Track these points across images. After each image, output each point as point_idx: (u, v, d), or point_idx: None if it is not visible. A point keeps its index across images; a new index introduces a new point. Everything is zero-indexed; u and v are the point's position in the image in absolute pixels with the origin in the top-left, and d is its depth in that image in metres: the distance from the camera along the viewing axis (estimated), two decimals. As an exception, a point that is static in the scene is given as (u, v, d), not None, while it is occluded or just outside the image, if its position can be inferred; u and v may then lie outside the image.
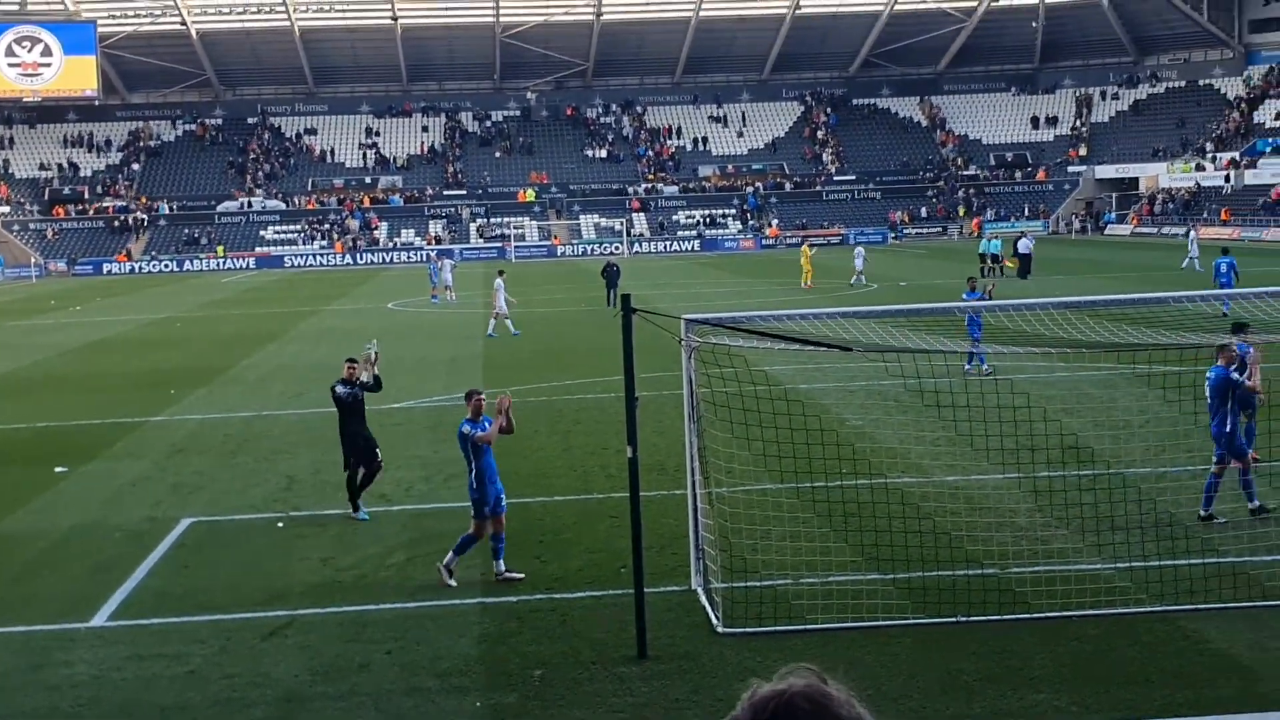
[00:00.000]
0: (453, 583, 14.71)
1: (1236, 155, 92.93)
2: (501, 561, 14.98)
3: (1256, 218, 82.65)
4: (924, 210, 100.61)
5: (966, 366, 26.93)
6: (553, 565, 15.39)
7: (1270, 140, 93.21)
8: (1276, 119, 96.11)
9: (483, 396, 15.22)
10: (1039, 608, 13.19)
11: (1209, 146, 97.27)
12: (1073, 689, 11.36)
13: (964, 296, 27.64)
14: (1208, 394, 16.48)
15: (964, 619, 12.94)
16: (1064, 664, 11.94)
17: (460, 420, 15.32)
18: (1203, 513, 16.27)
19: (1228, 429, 16.14)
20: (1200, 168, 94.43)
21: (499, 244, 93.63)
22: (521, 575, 14.93)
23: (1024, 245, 56.11)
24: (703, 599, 13.74)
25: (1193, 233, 59.78)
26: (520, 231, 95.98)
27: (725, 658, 12.30)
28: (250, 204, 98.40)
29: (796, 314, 14.77)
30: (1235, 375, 16.24)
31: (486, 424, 14.94)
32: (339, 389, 18.00)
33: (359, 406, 17.98)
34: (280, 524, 17.90)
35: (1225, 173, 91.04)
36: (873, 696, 11.23)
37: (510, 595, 14.43)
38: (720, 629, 12.94)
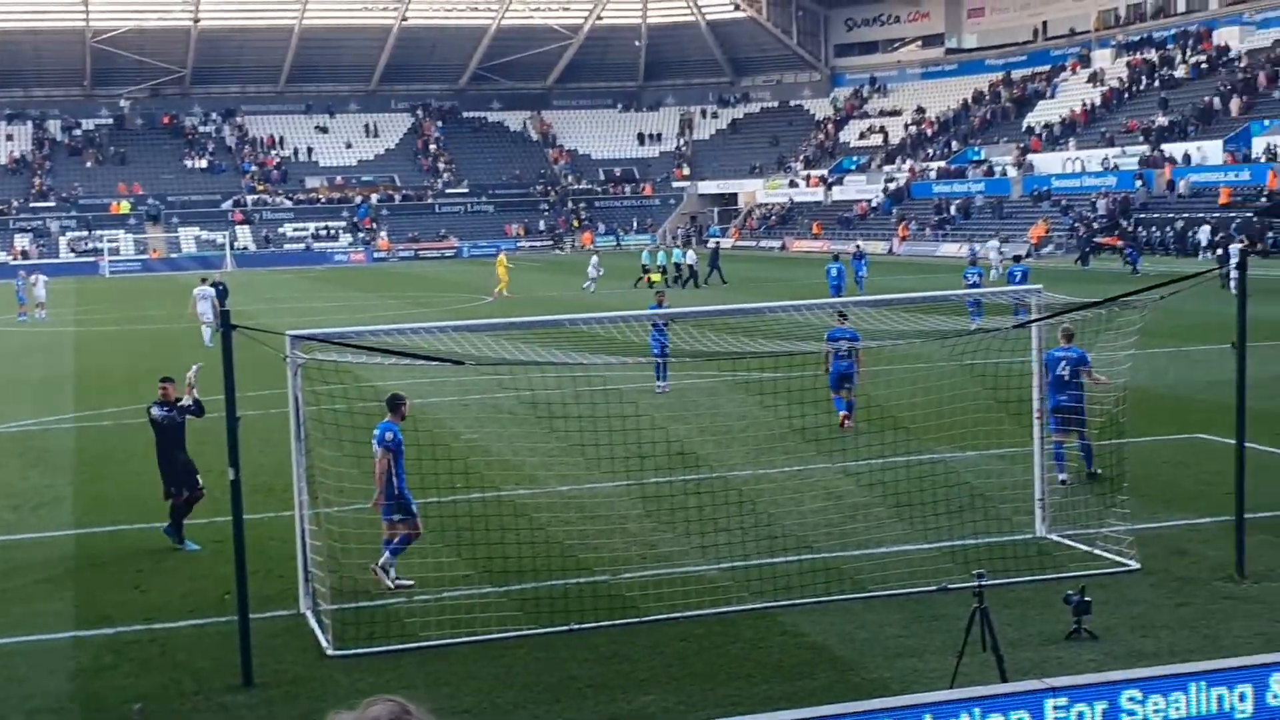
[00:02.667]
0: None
1: (825, 173, 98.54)
2: (385, 560, 14.54)
3: (843, 232, 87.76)
4: (541, 224, 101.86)
5: (660, 384, 27.04)
6: (153, 594, 14.68)
7: (854, 159, 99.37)
8: (859, 139, 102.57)
9: (407, 402, 14.94)
10: (648, 611, 13.50)
11: (799, 165, 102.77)
12: (679, 688, 11.68)
13: (650, 307, 27.55)
14: (1049, 372, 17.22)
15: (576, 626, 13.10)
16: (671, 664, 12.26)
17: (380, 424, 14.69)
18: (1093, 470, 18.22)
19: (1065, 400, 17.64)
20: (793, 184, 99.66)
21: (93, 258, 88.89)
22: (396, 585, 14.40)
23: (690, 256, 61.46)
24: (312, 622, 13.39)
25: (993, 240, 61.49)
26: (115, 245, 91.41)
27: (335, 680, 12.02)
28: None
29: (408, 328, 14.52)
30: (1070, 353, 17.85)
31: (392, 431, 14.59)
32: (154, 410, 16.80)
33: (176, 429, 16.74)
34: None
35: (819, 189, 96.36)
36: (486, 709, 11.23)
37: (106, 628, 13.66)
38: (330, 651, 12.64)
